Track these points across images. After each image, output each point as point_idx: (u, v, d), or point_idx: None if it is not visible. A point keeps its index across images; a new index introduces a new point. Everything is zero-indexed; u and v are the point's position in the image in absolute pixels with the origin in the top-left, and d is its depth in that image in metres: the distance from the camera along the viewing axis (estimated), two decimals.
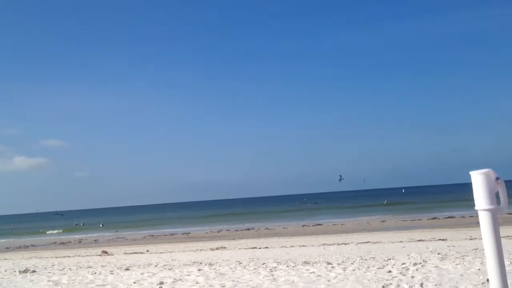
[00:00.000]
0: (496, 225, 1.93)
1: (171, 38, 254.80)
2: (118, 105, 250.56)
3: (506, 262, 8.61)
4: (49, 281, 9.41)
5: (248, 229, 40.18)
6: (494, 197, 1.96)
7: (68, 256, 19.35)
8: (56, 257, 18.96)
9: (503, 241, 11.15)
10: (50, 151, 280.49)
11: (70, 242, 37.27)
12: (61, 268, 12.22)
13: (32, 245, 35.41)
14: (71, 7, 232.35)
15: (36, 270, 11.76)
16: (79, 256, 19.48)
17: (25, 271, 11.52)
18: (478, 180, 1.96)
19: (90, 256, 19.16)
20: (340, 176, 47.07)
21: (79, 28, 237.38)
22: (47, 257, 19.29)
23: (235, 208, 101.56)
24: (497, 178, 1.97)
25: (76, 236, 46.04)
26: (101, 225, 61.30)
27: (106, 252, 20.98)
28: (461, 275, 7.51)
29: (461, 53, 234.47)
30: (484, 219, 1.95)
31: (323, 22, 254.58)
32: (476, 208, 1.98)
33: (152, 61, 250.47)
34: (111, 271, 10.89)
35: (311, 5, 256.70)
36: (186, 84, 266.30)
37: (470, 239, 17.05)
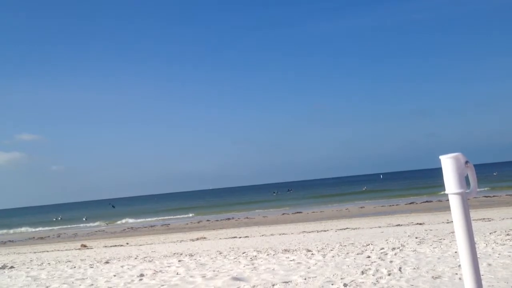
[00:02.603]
0: (466, 208, 1.96)
1: (142, 29, 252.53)
2: (92, 98, 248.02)
3: (482, 244, 8.79)
4: (27, 276, 9.29)
5: (228, 218, 40.21)
6: (464, 181, 1.98)
7: (47, 251, 19.14)
8: (35, 252, 18.75)
9: (479, 223, 11.33)
10: (25, 145, 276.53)
11: (48, 236, 36.79)
12: (39, 263, 12.08)
13: (9, 241, 34.88)
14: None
15: (15, 266, 11.61)
16: (58, 250, 19.29)
17: (3, 267, 11.37)
18: (448, 164, 1.98)
19: (69, 250, 18.98)
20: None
21: (55, 23, 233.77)
22: (25, 253, 19.05)
23: (214, 198, 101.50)
24: (466, 162, 1.99)
25: (55, 230, 45.46)
26: (84, 219, 59.66)
27: (85, 246, 20.80)
28: (439, 258, 7.65)
29: (434, 39, 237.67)
30: (454, 202, 1.97)
31: (294, 10, 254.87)
32: (446, 191, 2.00)
33: (123, 53, 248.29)
34: (90, 264, 10.81)
35: None
36: (160, 74, 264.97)
37: (447, 223, 17.34)
